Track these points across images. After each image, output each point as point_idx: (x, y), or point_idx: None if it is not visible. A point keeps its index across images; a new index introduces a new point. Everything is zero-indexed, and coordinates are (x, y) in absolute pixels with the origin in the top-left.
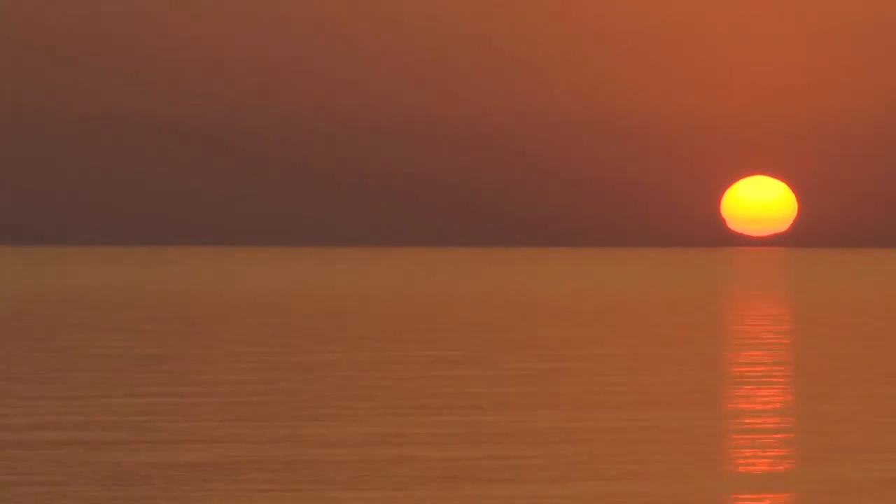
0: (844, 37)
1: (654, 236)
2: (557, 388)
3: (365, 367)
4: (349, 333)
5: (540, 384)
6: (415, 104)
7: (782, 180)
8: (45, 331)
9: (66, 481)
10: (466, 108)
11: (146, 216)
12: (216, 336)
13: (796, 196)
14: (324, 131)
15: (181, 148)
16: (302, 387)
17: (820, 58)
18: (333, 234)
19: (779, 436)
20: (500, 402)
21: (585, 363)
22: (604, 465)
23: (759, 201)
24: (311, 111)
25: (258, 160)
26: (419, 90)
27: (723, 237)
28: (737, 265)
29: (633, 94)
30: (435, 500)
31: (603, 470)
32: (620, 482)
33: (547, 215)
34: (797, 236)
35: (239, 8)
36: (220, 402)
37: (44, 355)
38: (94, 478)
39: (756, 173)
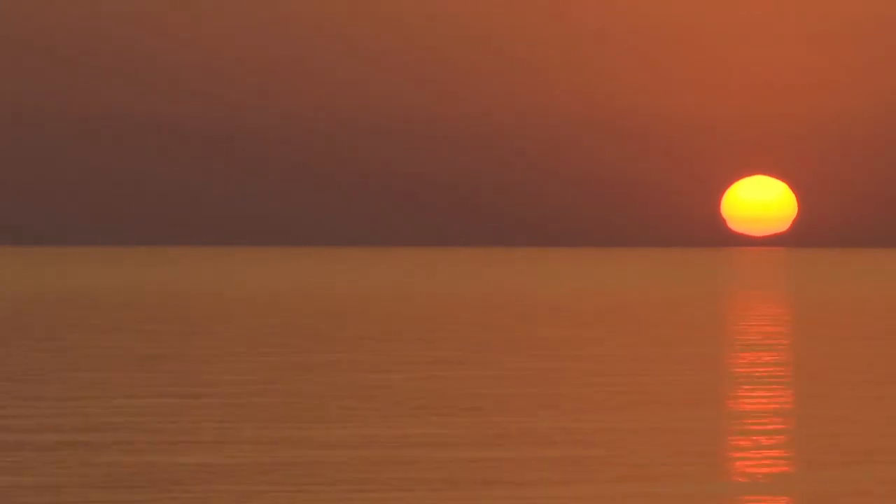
0: (844, 37)
1: (654, 236)
2: (557, 388)
3: (365, 368)
4: (349, 333)
5: (540, 384)
6: (415, 104)
7: (782, 180)
8: (45, 331)
9: (65, 483)
10: (466, 108)
11: (146, 216)
12: (216, 336)
13: (796, 196)
14: (324, 131)
15: (181, 148)
16: (302, 387)
17: (820, 58)
18: (333, 234)
19: (779, 437)
20: (500, 402)
21: (585, 363)
22: (604, 466)
23: (759, 201)
24: (311, 111)
25: (258, 160)
26: (419, 90)
27: (723, 237)
28: (737, 265)
29: (633, 94)
30: (435, 502)
31: (603, 471)
32: (621, 483)
33: (547, 215)
34: (797, 236)
35: (239, 8)
36: (221, 403)
37: (44, 355)
38: (95, 478)
39: (756, 173)
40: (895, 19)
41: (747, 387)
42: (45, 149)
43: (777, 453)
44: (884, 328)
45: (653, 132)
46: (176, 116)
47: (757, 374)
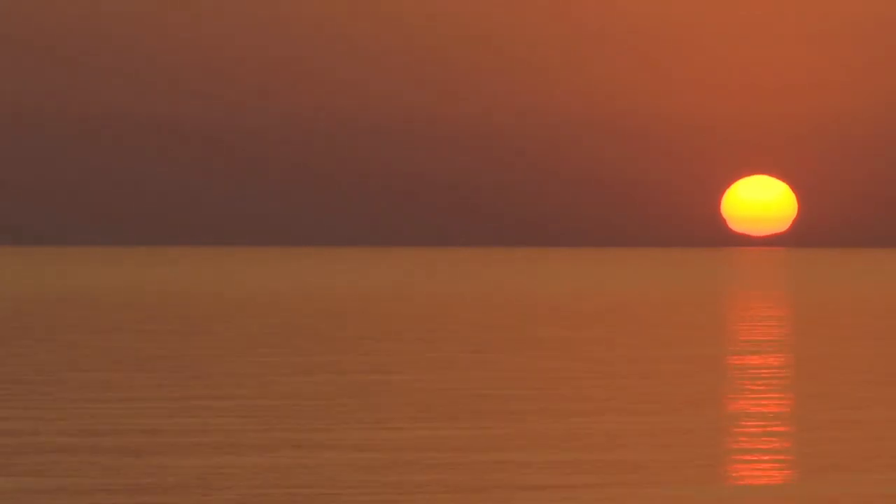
0: (844, 37)
1: (654, 236)
2: (557, 388)
3: (365, 368)
4: (349, 333)
5: (540, 384)
6: (415, 104)
7: (782, 180)
8: (45, 331)
9: (66, 485)
10: (466, 108)
11: (146, 216)
12: (216, 336)
13: (796, 196)
14: (324, 131)
15: (181, 148)
16: (302, 388)
17: (820, 58)
18: (333, 234)
19: (780, 440)
20: (500, 402)
21: (585, 363)
22: (604, 467)
23: (759, 201)
24: (311, 111)
25: (258, 160)
26: (419, 90)
27: (723, 237)
28: (737, 265)
29: (633, 94)
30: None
31: (603, 472)
32: (621, 486)
33: (547, 215)
34: (797, 236)
35: (239, 8)
36: (222, 403)
37: (44, 355)
38: (96, 480)
39: (756, 173)
40: (895, 19)
41: (747, 387)
42: (45, 149)
43: (778, 456)
44: (884, 328)
45: (653, 132)
46: (176, 116)
47: (757, 374)
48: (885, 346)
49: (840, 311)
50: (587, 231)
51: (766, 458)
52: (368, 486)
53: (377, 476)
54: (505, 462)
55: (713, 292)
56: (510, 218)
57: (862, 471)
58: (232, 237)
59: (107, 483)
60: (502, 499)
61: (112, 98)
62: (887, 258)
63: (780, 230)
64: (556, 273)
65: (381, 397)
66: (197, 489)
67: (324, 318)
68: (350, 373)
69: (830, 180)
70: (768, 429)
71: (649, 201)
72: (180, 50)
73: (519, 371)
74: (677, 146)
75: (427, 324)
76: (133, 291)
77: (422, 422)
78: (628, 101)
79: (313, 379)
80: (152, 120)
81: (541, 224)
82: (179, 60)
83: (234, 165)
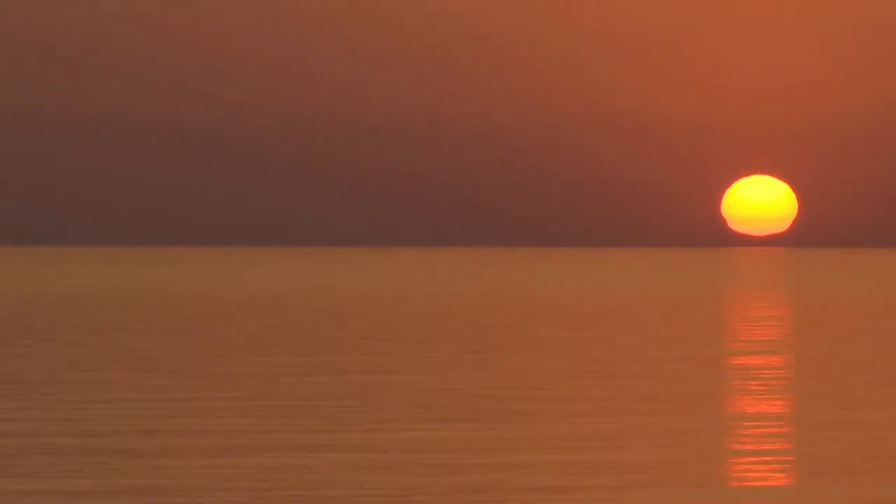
0: (844, 37)
1: (654, 236)
2: (557, 388)
3: (365, 368)
4: (349, 333)
5: (540, 384)
6: (415, 104)
7: (783, 180)
8: (45, 331)
9: (67, 486)
10: (466, 108)
11: (146, 216)
12: (216, 336)
13: (796, 196)
14: (324, 131)
15: (181, 148)
16: (302, 388)
17: (820, 58)
18: (333, 234)
19: (780, 441)
20: (500, 402)
21: (585, 363)
22: (604, 467)
23: (759, 201)
24: (311, 111)
25: (258, 160)
26: (419, 90)
27: (723, 237)
28: (737, 265)
29: (633, 94)
30: None
31: (603, 472)
32: (621, 487)
33: (547, 215)
34: (797, 236)
35: (239, 8)
36: (222, 403)
37: (44, 355)
38: (95, 479)
39: (756, 173)
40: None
41: (748, 388)
42: (45, 149)
43: (778, 457)
44: (884, 328)
45: (653, 132)
46: (176, 116)
47: (757, 374)
48: (885, 346)
49: (840, 311)
50: (587, 231)
51: (766, 458)
52: (368, 486)
53: (377, 476)
54: (505, 462)
55: (713, 292)
56: (510, 218)
57: (862, 472)
58: (232, 237)
59: (107, 484)
60: (502, 499)
61: (112, 98)
62: (887, 258)
63: (780, 230)
64: (556, 273)
65: (381, 397)
66: (197, 489)
67: (324, 318)
68: (350, 373)
69: (830, 180)
70: (769, 429)
71: (649, 201)
72: (180, 50)
73: (519, 371)
74: (677, 146)
75: (427, 324)
76: (133, 291)
77: (422, 422)
78: (628, 101)
79: (313, 379)
80: (152, 120)
81: (541, 224)
82: (179, 60)
83: (234, 165)
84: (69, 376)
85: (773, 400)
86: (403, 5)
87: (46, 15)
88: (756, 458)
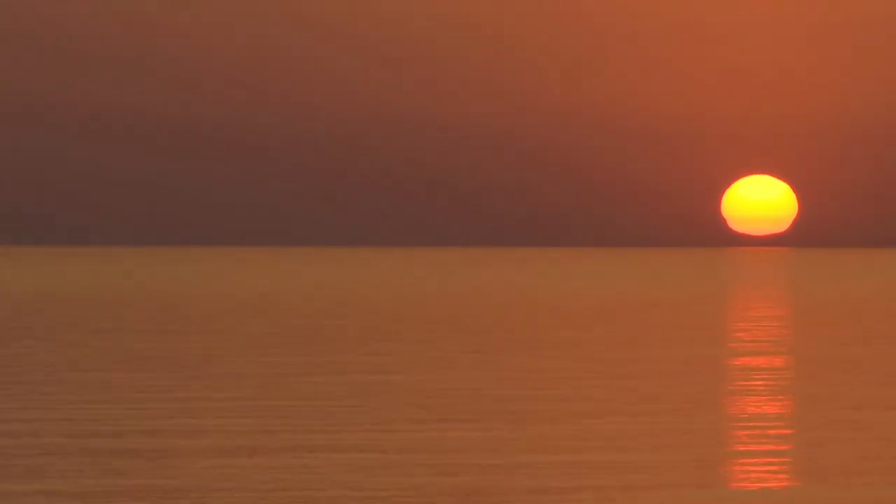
0: (844, 37)
1: (654, 236)
2: (558, 388)
3: (365, 368)
4: (349, 333)
5: (540, 384)
6: (415, 104)
7: (783, 180)
8: (45, 331)
9: (68, 487)
10: (466, 108)
11: (146, 216)
12: (216, 336)
13: (796, 196)
14: (324, 131)
15: (181, 148)
16: (302, 388)
17: (820, 58)
18: (333, 234)
19: (780, 442)
20: (500, 402)
21: (586, 363)
22: (604, 467)
23: (759, 201)
24: (312, 111)
25: (258, 160)
26: (420, 90)
27: (723, 237)
28: (737, 265)
29: (633, 94)
30: None
31: (603, 473)
32: (621, 488)
33: (547, 215)
34: (797, 236)
35: (239, 8)
36: (222, 403)
37: (44, 355)
38: (96, 480)
39: (756, 173)
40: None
41: (748, 388)
42: (45, 148)
43: (778, 458)
44: (884, 328)
45: (653, 132)
46: (176, 116)
47: (757, 374)
48: (885, 346)
49: (840, 311)
50: (587, 231)
51: (766, 459)
52: (368, 486)
53: (377, 476)
54: (505, 462)
55: (713, 292)
56: (510, 218)
57: (862, 472)
58: (232, 237)
59: (107, 484)
60: (502, 499)
61: (112, 98)
62: (887, 258)
63: (781, 230)
64: (556, 273)
65: (381, 397)
66: (197, 489)
67: (324, 318)
68: (350, 373)
69: (830, 180)
70: (769, 430)
71: (649, 201)
72: (180, 50)
73: (519, 371)
74: (677, 146)
75: (427, 324)
76: (133, 291)
77: (422, 422)
78: (628, 101)
79: (313, 379)
80: (153, 120)
81: (541, 224)
82: (179, 60)
83: (235, 165)
84: (69, 376)
85: (774, 400)
86: (403, 5)
87: (47, 14)
88: (756, 459)
